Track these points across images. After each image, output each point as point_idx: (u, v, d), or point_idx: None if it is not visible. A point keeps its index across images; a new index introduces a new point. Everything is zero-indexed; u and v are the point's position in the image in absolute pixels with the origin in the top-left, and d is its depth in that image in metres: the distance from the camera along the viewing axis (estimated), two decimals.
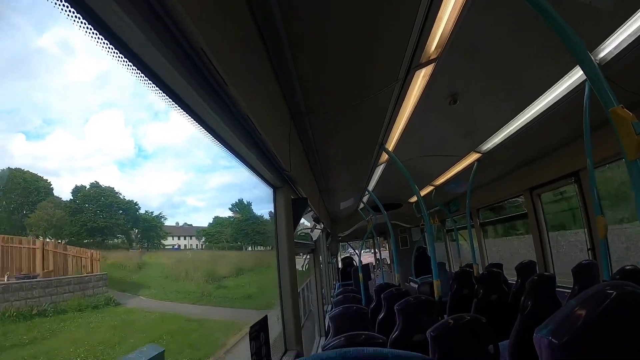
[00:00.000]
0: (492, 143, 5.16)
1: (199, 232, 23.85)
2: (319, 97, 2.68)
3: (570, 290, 4.39)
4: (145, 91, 1.22)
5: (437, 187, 8.37)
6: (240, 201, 27.71)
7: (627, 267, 3.54)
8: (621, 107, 1.77)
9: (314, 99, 2.67)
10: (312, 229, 6.82)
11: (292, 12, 1.76)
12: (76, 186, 16.85)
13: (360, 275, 9.16)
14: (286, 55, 2.06)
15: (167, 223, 20.66)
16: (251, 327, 2.03)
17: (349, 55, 2.29)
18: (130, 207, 18.02)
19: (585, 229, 5.22)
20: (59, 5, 0.79)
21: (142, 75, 1.07)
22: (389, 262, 16.81)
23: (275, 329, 2.66)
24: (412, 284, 11.04)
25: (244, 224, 25.77)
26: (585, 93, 3.33)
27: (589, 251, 5.16)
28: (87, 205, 16.46)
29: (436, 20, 2.24)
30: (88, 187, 17.03)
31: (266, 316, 2.26)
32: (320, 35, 2.04)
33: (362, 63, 2.42)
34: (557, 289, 3.92)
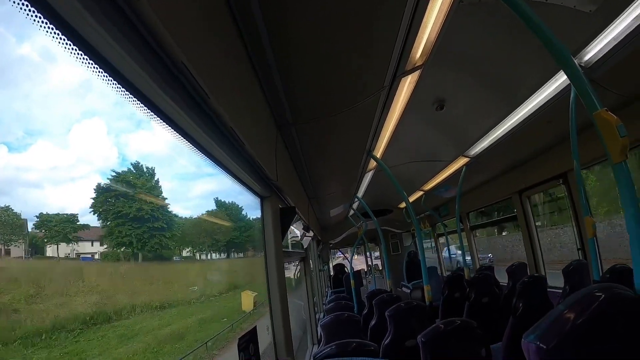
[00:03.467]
0: (480, 147, 5.19)
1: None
2: (305, 106, 2.68)
3: (561, 291, 4.42)
4: (126, 101, 1.20)
5: (426, 192, 8.40)
6: (137, 165, 16.21)
7: (617, 266, 3.56)
8: (605, 110, 1.78)
9: (300, 108, 2.66)
10: (302, 236, 6.80)
11: (277, 23, 1.76)
12: None
13: (352, 282, 9.14)
14: (271, 66, 2.05)
15: None
16: (240, 338, 2.01)
17: (333, 64, 2.29)
18: None
19: (575, 229, 5.26)
20: (32, 16, 0.78)
21: (121, 87, 1.05)
22: (380, 268, 16.78)
23: (265, 339, 2.64)
24: (404, 289, 11.05)
25: (123, 203, 14.64)
26: (571, 96, 3.37)
27: (579, 251, 5.20)
28: None
29: (421, 27, 2.24)
30: None
31: (255, 327, 2.24)
32: (305, 46, 2.04)
33: (348, 72, 2.42)
34: (548, 290, 3.94)
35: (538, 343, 1.21)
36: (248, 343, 2.06)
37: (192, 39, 1.14)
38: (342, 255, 20.77)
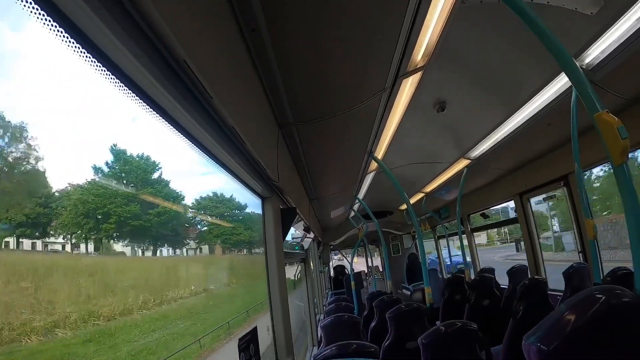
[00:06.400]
0: (481, 149, 5.18)
1: None
2: (307, 106, 2.68)
3: (562, 294, 4.41)
4: (122, 96, 1.17)
5: (427, 194, 8.40)
6: None
7: (618, 270, 3.55)
8: (606, 112, 1.78)
9: (302, 109, 2.66)
10: (303, 238, 6.79)
11: (279, 22, 1.76)
12: None
13: (353, 283, 9.12)
14: (273, 65, 2.05)
15: None
16: (240, 339, 2.00)
17: (335, 65, 2.29)
18: None
19: (575, 232, 5.25)
20: (34, 12, 0.78)
21: (123, 85, 1.05)
22: (381, 270, 16.73)
23: (266, 340, 2.64)
24: (404, 291, 11.04)
25: None
26: (572, 98, 3.36)
27: (580, 254, 5.19)
28: None
29: (422, 28, 2.25)
30: None
31: (256, 327, 2.24)
32: (307, 46, 2.04)
33: (349, 72, 2.42)
34: (548, 292, 3.93)
35: (539, 345, 1.21)
36: (249, 343, 2.06)
37: (194, 38, 1.14)
38: (337, 255, 20.39)
